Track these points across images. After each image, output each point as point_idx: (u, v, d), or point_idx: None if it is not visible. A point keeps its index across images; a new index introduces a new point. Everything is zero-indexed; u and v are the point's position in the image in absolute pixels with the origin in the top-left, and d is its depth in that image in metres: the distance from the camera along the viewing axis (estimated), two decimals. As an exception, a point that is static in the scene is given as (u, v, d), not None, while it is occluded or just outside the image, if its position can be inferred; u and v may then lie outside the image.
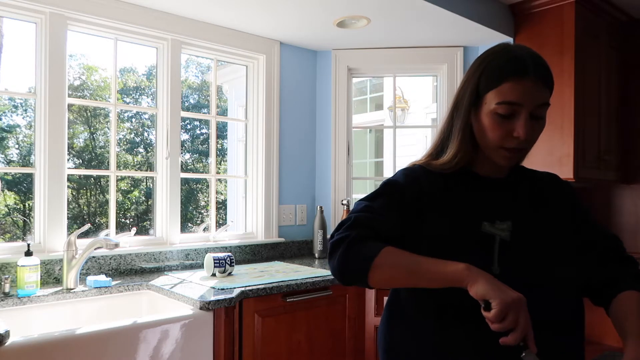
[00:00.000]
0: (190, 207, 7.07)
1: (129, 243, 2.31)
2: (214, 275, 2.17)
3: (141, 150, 6.91)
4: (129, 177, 6.71)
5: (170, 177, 2.45)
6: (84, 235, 2.10)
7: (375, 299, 2.27)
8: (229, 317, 1.82)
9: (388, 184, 1.09)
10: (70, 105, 2.27)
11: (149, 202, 6.58)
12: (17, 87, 5.55)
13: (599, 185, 2.95)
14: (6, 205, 5.91)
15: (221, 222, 3.57)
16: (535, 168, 1.18)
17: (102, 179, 6.47)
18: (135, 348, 1.58)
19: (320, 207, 2.86)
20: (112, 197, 2.37)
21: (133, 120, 6.85)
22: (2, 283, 1.82)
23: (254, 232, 2.81)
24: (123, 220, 6.55)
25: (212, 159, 2.72)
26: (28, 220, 5.83)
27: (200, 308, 1.73)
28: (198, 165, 7.28)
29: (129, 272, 2.25)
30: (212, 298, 1.76)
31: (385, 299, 1.40)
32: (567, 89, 2.50)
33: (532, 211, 1.07)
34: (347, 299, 2.23)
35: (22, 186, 5.99)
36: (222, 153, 4.90)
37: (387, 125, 6.35)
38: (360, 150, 7.53)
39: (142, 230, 5.85)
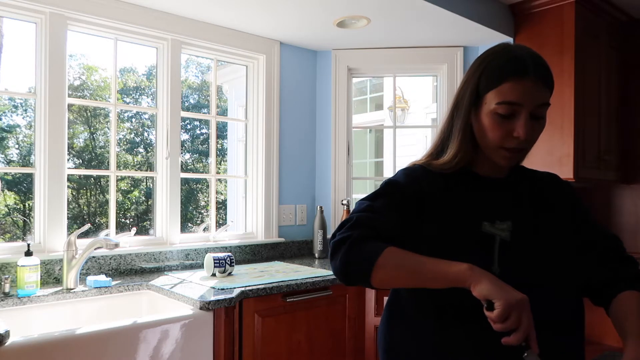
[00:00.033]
0: (190, 207, 7.07)
1: (129, 243, 2.31)
2: (214, 275, 2.17)
3: (141, 150, 6.91)
4: (129, 177, 6.71)
5: (170, 177, 2.45)
6: (84, 235, 2.10)
7: (375, 299, 2.27)
8: (229, 317, 1.82)
9: (389, 184, 1.09)
10: (70, 105, 2.27)
11: (149, 202, 6.58)
12: (17, 87, 5.56)
13: (599, 185, 2.95)
14: (6, 205, 5.91)
15: (221, 222, 3.57)
16: (535, 168, 1.18)
17: (102, 179, 6.47)
18: (135, 348, 1.58)
19: (320, 207, 2.86)
20: (112, 197, 2.37)
21: (133, 120, 6.85)
22: (2, 283, 1.82)
23: (254, 232, 2.81)
24: (123, 220, 6.55)
25: (212, 159, 2.72)
26: (28, 220, 5.83)
27: (200, 308, 1.74)
28: (198, 165, 7.28)
29: (129, 272, 2.25)
30: (212, 298, 1.76)
31: (385, 299, 1.40)
32: (567, 89, 2.50)
33: (532, 211, 1.07)
34: (347, 299, 2.23)
35: (22, 186, 5.99)
36: (222, 153, 4.89)
37: (387, 125, 6.35)
38: (360, 150, 7.53)
39: (142, 230, 5.85)
